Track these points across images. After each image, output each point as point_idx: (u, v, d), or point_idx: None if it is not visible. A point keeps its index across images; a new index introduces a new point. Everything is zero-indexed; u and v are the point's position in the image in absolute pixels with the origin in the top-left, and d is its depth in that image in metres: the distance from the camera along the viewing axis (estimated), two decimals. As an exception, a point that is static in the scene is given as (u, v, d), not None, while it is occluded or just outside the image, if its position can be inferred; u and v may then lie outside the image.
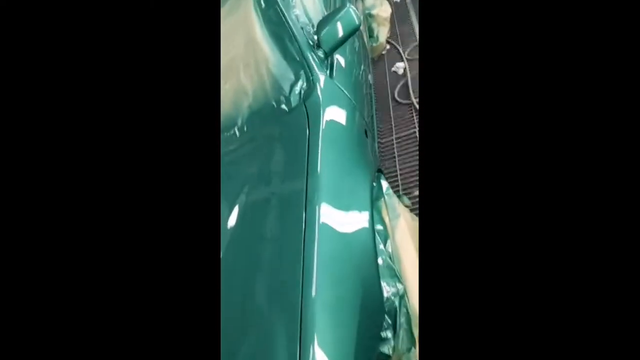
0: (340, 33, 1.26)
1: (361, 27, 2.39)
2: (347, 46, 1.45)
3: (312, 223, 0.84)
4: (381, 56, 2.79)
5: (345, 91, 1.26)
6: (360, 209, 1.01)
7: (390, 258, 1.02)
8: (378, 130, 2.16)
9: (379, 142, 2.06)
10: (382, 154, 2.02)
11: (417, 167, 1.84)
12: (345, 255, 0.88)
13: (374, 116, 2.05)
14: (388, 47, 2.83)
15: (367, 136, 1.30)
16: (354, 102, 1.30)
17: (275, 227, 0.92)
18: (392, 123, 2.17)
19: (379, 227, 1.05)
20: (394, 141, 2.04)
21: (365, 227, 0.99)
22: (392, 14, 2.81)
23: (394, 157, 1.97)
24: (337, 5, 1.69)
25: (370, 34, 2.69)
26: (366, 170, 1.14)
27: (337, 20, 1.25)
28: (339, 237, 0.89)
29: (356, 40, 1.83)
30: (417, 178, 1.79)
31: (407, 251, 1.12)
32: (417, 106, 2.12)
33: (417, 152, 1.90)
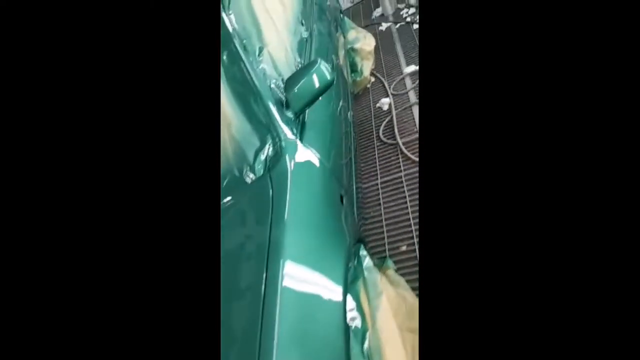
0: (311, 91, 1.16)
1: (341, 61, 2.34)
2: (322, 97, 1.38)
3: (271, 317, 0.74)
4: (366, 89, 2.72)
5: (317, 154, 1.16)
6: (330, 300, 0.89)
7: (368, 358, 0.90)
8: (361, 173, 2.06)
9: (360, 187, 1.95)
10: (366, 200, 1.91)
11: (404, 215, 1.73)
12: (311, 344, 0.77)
13: (353, 160, 1.96)
14: (373, 79, 2.76)
15: (342, 202, 1.18)
16: (327, 164, 1.19)
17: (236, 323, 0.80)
18: (377, 165, 2.06)
19: (356, 322, 0.92)
20: (379, 186, 1.94)
21: (336, 323, 0.87)
22: (376, 47, 2.75)
23: (379, 203, 1.86)
24: (311, 56, 1.61)
25: (354, 69, 2.62)
26: (339, 248, 1.03)
27: (307, 78, 1.15)
28: (303, 340, 0.77)
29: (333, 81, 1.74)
30: (405, 229, 1.68)
31: (389, 338, 1.00)
32: (403, 147, 2.02)
33: (404, 199, 1.79)
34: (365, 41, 2.64)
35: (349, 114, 2.04)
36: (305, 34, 1.72)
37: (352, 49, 2.58)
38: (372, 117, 2.45)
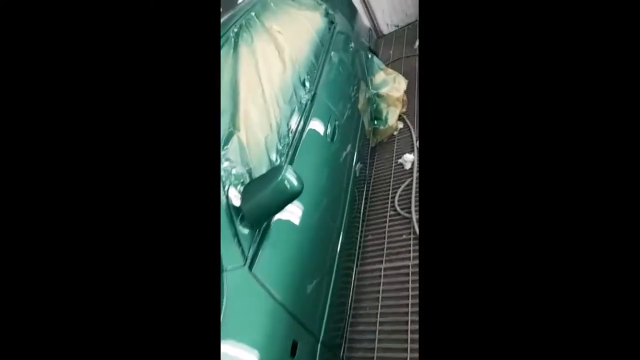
0: (271, 206, 0.94)
1: (361, 106, 2.08)
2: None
3: None
4: (392, 137, 2.43)
5: (270, 287, 0.93)
6: None
7: None
8: (364, 252, 1.79)
9: (361, 270, 1.69)
10: (363, 289, 1.64)
11: (404, 315, 1.44)
12: None
13: (360, 230, 1.69)
14: (401, 125, 2.46)
15: (294, 354, 0.94)
16: (281, 296, 0.95)
17: None
18: (385, 243, 1.78)
19: None
20: (382, 272, 1.66)
21: None
22: (405, 92, 2.44)
23: (378, 291, 1.59)
24: (306, 126, 1.38)
25: (378, 116, 2.34)
26: None
27: (268, 189, 0.93)
28: None
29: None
30: (400, 334, 1.39)
31: None
32: (417, 226, 1.72)
33: (406, 299, 1.50)
34: (394, 85, 2.35)
35: (357, 167, 1.79)
36: (305, 97, 1.50)
37: (378, 95, 2.31)
38: (392, 175, 2.16)
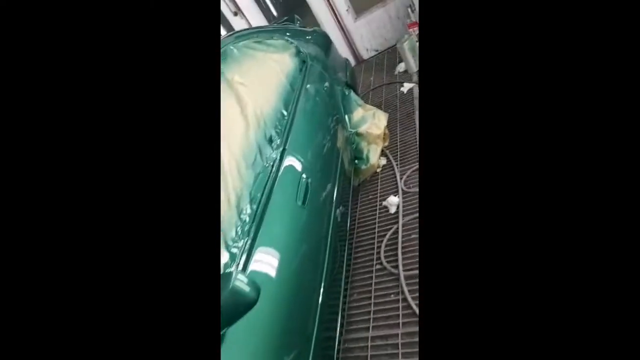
0: (221, 321, 0.78)
1: (339, 144, 1.94)
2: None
3: None
4: (375, 174, 2.29)
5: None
6: None
7: None
8: (350, 316, 1.62)
9: (347, 339, 1.52)
10: (348, 358, 1.47)
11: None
12: None
13: (342, 297, 1.52)
14: (384, 161, 2.33)
15: None
16: None
17: None
18: (372, 305, 1.62)
19: None
20: (369, 342, 1.49)
21: None
22: (385, 129, 2.32)
23: (368, 365, 1.42)
24: (271, 193, 1.23)
25: (359, 155, 2.21)
26: None
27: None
28: None
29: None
30: None
31: None
32: (404, 286, 1.57)
33: (396, 376, 1.33)
34: (373, 122, 2.22)
35: (339, 211, 1.64)
36: (273, 157, 1.35)
37: (357, 134, 2.18)
38: (377, 220, 2.01)
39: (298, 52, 2.04)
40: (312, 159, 1.59)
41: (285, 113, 1.60)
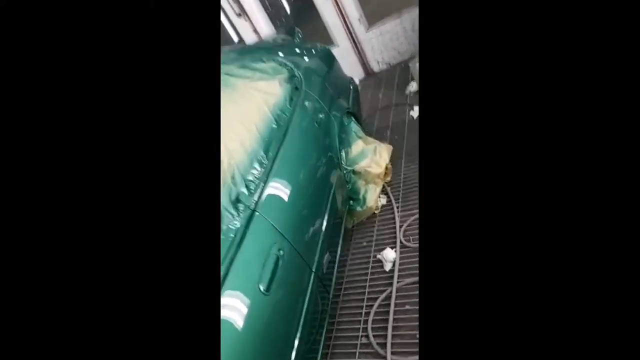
0: None
1: (331, 186, 1.69)
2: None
3: None
4: (373, 214, 2.02)
5: None
6: None
7: None
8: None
9: None
10: None
11: None
12: None
13: None
14: (384, 201, 2.07)
15: None
16: None
17: None
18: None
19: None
20: None
21: None
22: (388, 164, 2.05)
23: None
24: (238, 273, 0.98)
25: (355, 196, 1.94)
26: None
27: None
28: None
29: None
30: None
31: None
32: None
33: None
34: (374, 158, 1.95)
35: (325, 260, 1.42)
36: (237, 223, 1.10)
37: (354, 172, 1.91)
38: (368, 277, 1.75)
39: (291, 77, 1.78)
40: (292, 217, 1.34)
41: (264, 159, 1.34)
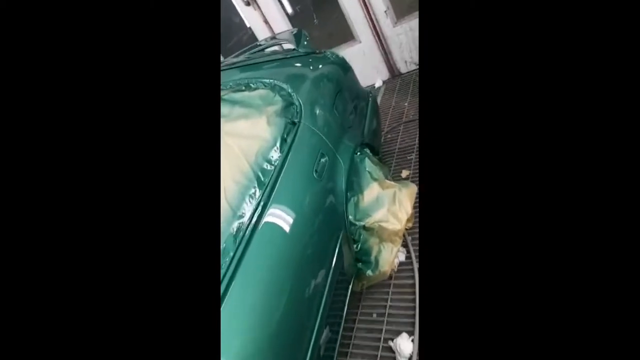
0: None
1: (332, 251, 1.28)
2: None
3: None
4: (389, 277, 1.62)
5: None
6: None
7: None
8: None
9: None
10: None
11: None
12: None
13: None
14: (402, 257, 1.65)
15: None
16: None
17: None
18: None
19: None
20: None
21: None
22: (412, 214, 1.61)
23: None
24: None
25: (365, 258, 1.53)
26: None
27: None
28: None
29: None
30: None
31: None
32: None
33: None
34: (392, 209, 1.52)
35: (323, 337, 1.15)
36: None
37: (365, 228, 1.49)
38: (376, 370, 1.37)
39: (287, 106, 1.35)
40: (271, 305, 0.97)
41: (234, 239, 0.96)
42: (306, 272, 1.14)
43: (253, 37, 3.33)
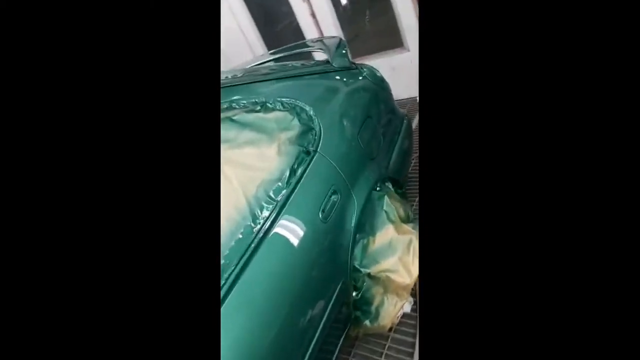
0: None
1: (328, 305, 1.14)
2: None
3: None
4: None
5: None
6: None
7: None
8: None
9: None
10: None
11: None
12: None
13: None
14: (408, 307, 1.50)
15: None
16: None
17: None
18: None
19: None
20: None
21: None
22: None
23: None
24: None
25: (365, 307, 1.39)
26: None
27: None
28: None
29: None
30: None
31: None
32: None
33: None
34: (405, 259, 1.36)
35: None
36: None
37: (370, 276, 1.35)
38: None
39: (304, 133, 1.21)
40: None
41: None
42: (294, 330, 1.03)
43: (298, 29, 3.18)
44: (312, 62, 1.64)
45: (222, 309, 0.87)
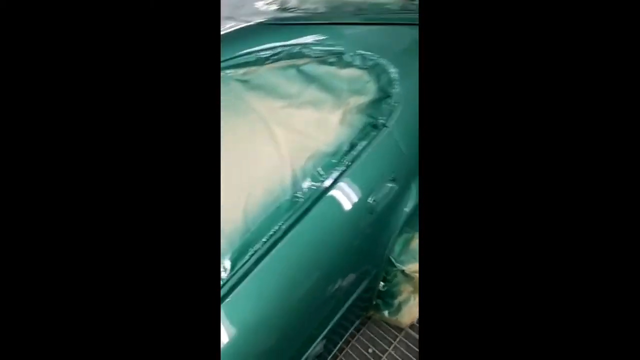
0: None
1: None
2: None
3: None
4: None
5: None
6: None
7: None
8: None
9: None
10: None
11: None
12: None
13: None
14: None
15: None
16: None
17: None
18: None
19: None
20: None
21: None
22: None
23: None
24: None
25: (387, 299, 1.29)
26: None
27: None
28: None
29: None
30: None
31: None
32: None
33: None
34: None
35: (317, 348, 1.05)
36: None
37: (403, 272, 1.22)
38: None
39: (380, 100, 1.01)
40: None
41: (241, 257, 0.79)
42: (311, 320, 0.97)
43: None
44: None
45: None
